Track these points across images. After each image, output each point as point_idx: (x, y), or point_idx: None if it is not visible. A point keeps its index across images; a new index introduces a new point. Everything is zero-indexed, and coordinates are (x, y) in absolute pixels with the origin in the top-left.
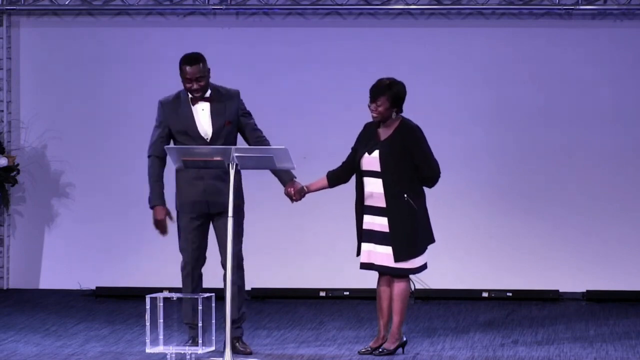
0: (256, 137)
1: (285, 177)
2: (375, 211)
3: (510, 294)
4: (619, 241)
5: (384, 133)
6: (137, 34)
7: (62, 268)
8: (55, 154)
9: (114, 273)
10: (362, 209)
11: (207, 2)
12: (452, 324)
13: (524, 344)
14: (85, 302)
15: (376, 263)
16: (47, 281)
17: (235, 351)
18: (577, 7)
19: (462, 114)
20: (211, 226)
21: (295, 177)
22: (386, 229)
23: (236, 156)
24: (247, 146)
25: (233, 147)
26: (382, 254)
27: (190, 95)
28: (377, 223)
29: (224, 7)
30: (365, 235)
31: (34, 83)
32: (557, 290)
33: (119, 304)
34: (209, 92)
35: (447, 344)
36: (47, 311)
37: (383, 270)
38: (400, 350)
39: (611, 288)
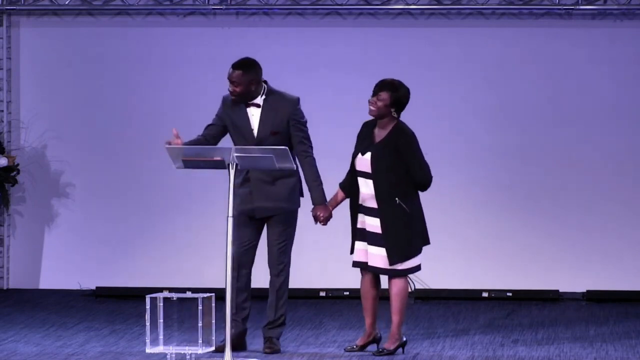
0: (300, 152)
1: (317, 199)
2: (368, 211)
3: (510, 294)
4: (619, 241)
5: (378, 135)
6: (137, 34)
7: (62, 268)
8: (55, 154)
9: (114, 273)
10: (356, 207)
11: (207, 2)
12: (452, 324)
13: (524, 344)
14: (85, 302)
15: (370, 264)
16: (47, 281)
17: (263, 350)
18: (577, 7)
19: (463, 114)
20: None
21: (327, 202)
22: (379, 230)
23: (236, 156)
24: (247, 146)
25: (233, 147)
26: (376, 255)
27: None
28: (370, 223)
29: (224, 7)
30: (359, 234)
31: (34, 83)
32: (557, 290)
33: (119, 304)
34: (261, 98)
35: (447, 344)
36: (47, 311)
37: (376, 272)
38: (400, 350)
39: (611, 288)
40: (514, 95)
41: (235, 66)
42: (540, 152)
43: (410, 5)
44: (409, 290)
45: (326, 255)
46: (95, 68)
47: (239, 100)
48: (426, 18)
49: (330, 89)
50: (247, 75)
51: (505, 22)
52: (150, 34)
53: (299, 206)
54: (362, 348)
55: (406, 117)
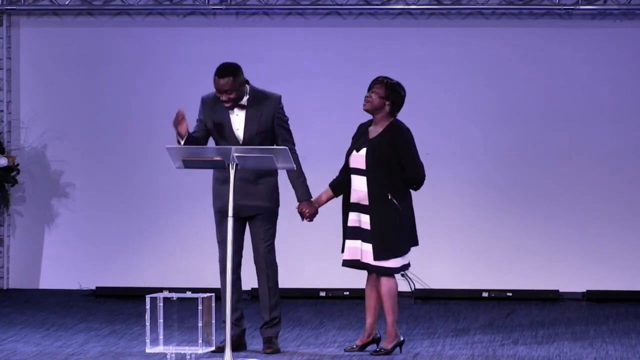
0: None
1: (301, 195)
2: (361, 209)
3: (510, 294)
4: (619, 241)
5: (373, 132)
6: (137, 34)
7: (62, 268)
8: (55, 154)
9: (114, 273)
10: (348, 205)
11: (207, 2)
12: (452, 324)
13: (524, 344)
14: (85, 302)
15: (362, 260)
16: (47, 281)
17: (263, 350)
18: (577, 7)
19: (462, 114)
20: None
21: (312, 197)
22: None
23: (236, 156)
24: (248, 146)
25: (233, 147)
26: (366, 251)
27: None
28: (365, 221)
29: (224, 7)
30: (350, 233)
31: (34, 83)
32: (557, 290)
33: (119, 304)
34: (245, 98)
35: (447, 344)
36: (47, 311)
37: (366, 268)
38: (397, 349)
39: (611, 288)
40: (514, 95)
41: (223, 74)
42: (541, 152)
43: (410, 5)
44: (410, 290)
45: (326, 255)
46: (95, 68)
47: (232, 106)
48: (426, 18)
49: (330, 89)
50: (236, 80)
51: (505, 22)
52: (150, 34)
53: (279, 205)
54: (362, 348)
55: (405, 116)
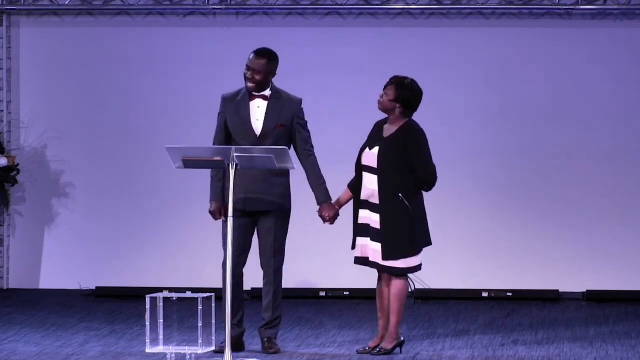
0: (303, 150)
1: (321, 197)
2: (371, 207)
3: (510, 294)
4: (619, 241)
5: (387, 131)
6: (137, 34)
7: (62, 268)
8: (55, 154)
9: (114, 273)
10: (359, 203)
11: (207, 2)
12: (452, 324)
13: (524, 344)
14: (85, 302)
15: (371, 259)
16: (47, 281)
17: (262, 350)
18: (577, 7)
19: (462, 114)
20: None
21: (332, 200)
22: (379, 226)
23: (236, 156)
24: (247, 146)
25: (233, 147)
26: (375, 250)
27: (246, 89)
28: (372, 219)
29: (224, 7)
30: (360, 230)
31: (34, 83)
32: (557, 290)
33: (119, 304)
34: (269, 91)
35: (447, 344)
36: (47, 311)
37: (375, 267)
38: (398, 349)
39: (611, 288)
40: (514, 95)
41: (260, 54)
42: (541, 152)
43: (410, 5)
44: (409, 290)
45: (326, 255)
46: (95, 68)
47: (253, 89)
48: (426, 18)
49: (330, 89)
50: (269, 65)
51: (505, 22)
52: (150, 34)
53: (291, 207)
54: (374, 349)
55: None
